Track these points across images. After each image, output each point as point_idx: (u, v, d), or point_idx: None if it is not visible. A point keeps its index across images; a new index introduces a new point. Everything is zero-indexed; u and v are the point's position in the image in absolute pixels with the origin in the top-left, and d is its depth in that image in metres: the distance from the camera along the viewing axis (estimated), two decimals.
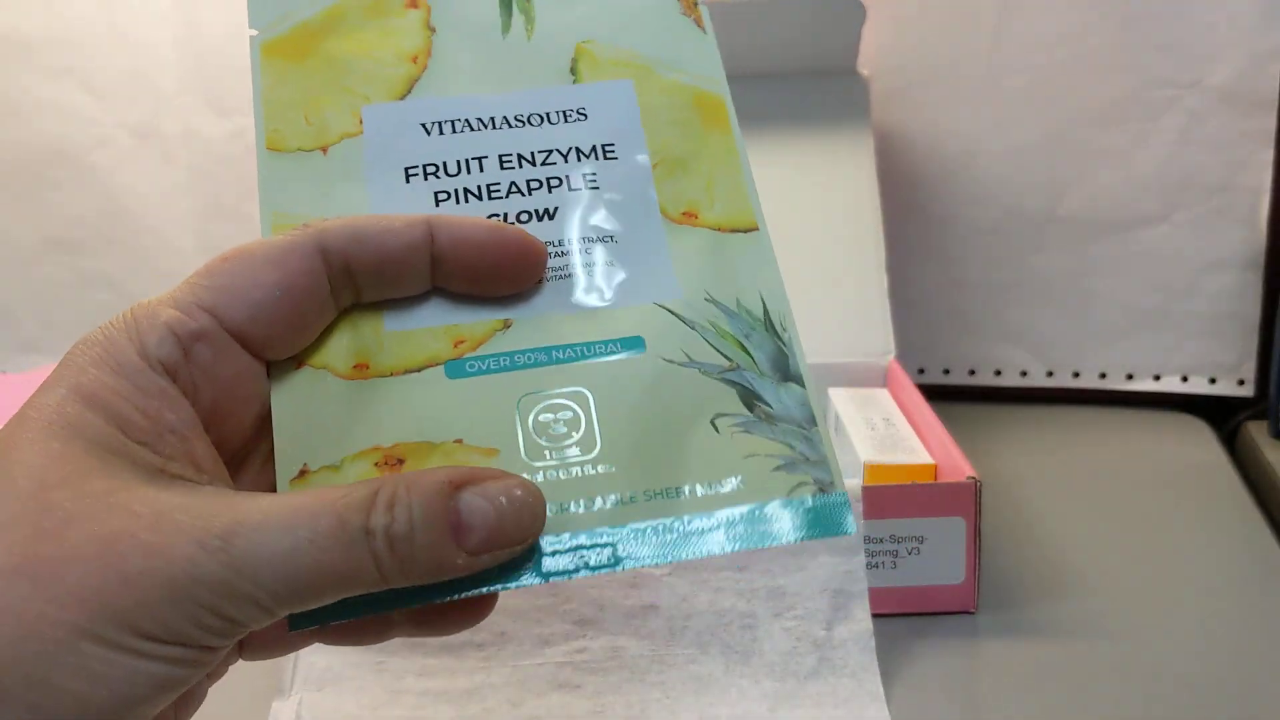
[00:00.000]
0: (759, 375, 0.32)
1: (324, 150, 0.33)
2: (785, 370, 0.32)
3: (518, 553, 0.28)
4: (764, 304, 0.33)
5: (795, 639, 0.46)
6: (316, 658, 0.45)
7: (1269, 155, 0.69)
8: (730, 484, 0.30)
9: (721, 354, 0.32)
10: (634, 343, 0.32)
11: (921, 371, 0.75)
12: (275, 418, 0.30)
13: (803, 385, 0.32)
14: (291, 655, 0.45)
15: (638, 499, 0.30)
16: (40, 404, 0.27)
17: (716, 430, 0.31)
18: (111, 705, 0.25)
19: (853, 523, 0.30)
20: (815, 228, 0.66)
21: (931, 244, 0.74)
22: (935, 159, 0.73)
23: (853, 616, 0.46)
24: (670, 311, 0.32)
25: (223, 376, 0.29)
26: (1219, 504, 0.62)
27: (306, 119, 0.34)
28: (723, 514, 0.30)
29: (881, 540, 0.49)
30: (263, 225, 0.32)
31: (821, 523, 0.30)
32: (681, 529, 0.29)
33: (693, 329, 0.32)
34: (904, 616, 0.50)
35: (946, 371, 0.75)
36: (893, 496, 0.49)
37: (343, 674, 0.45)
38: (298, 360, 0.30)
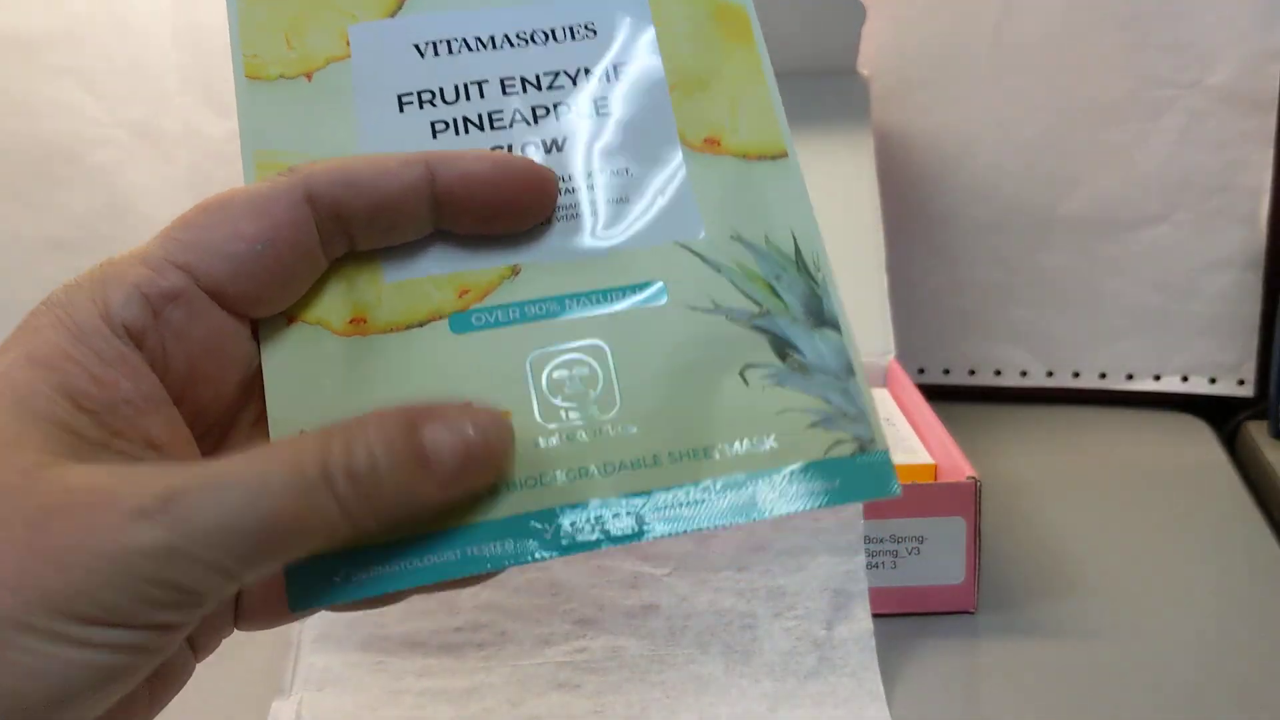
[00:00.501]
0: (791, 321, 0.29)
1: (308, 77, 0.31)
2: (820, 315, 0.29)
3: (493, 478, 0.26)
4: (795, 241, 0.30)
5: (795, 639, 0.46)
6: (316, 658, 0.45)
7: (1269, 155, 0.69)
8: (762, 443, 0.28)
9: (750, 298, 0.29)
10: (654, 289, 0.29)
11: (921, 371, 0.75)
12: (267, 380, 0.28)
13: (839, 331, 0.29)
14: (291, 655, 0.45)
15: (662, 461, 0.28)
16: None
17: (746, 383, 0.29)
18: (48, 700, 0.22)
19: (898, 483, 0.28)
20: None
21: (932, 244, 0.73)
22: (935, 158, 0.73)
23: (853, 616, 0.46)
24: (693, 252, 0.30)
25: (199, 338, 0.27)
26: (1219, 504, 0.61)
27: (288, 41, 0.31)
28: (754, 477, 0.27)
29: (881, 540, 0.49)
30: (244, 165, 0.30)
31: (862, 484, 0.28)
32: (710, 494, 0.27)
33: (718, 271, 0.30)
34: (904, 616, 0.50)
35: (946, 371, 0.75)
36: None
37: (343, 674, 0.45)
38: (289, 315, 0.29)
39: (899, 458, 0.53)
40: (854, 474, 0.28)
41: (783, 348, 0.29)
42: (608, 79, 0.31)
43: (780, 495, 0.27)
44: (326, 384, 0.28)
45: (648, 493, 0.27)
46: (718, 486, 0.27)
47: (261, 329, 0.28)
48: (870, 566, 0.49)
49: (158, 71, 0.72)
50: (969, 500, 0.49)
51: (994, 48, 0.70)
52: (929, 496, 0.49)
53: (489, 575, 0.28)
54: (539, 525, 0.27)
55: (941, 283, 0.74)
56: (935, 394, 0.62)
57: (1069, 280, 0.73)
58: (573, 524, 0.27)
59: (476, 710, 0.44)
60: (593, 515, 0.27)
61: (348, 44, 0.31)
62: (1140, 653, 0.48)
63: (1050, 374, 0.74)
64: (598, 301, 0.29)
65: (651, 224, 0.30)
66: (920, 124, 0.72)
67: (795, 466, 0.28)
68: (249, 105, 0.30)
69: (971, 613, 0.50)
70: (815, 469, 0.28)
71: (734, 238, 0.30)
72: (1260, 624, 0.50)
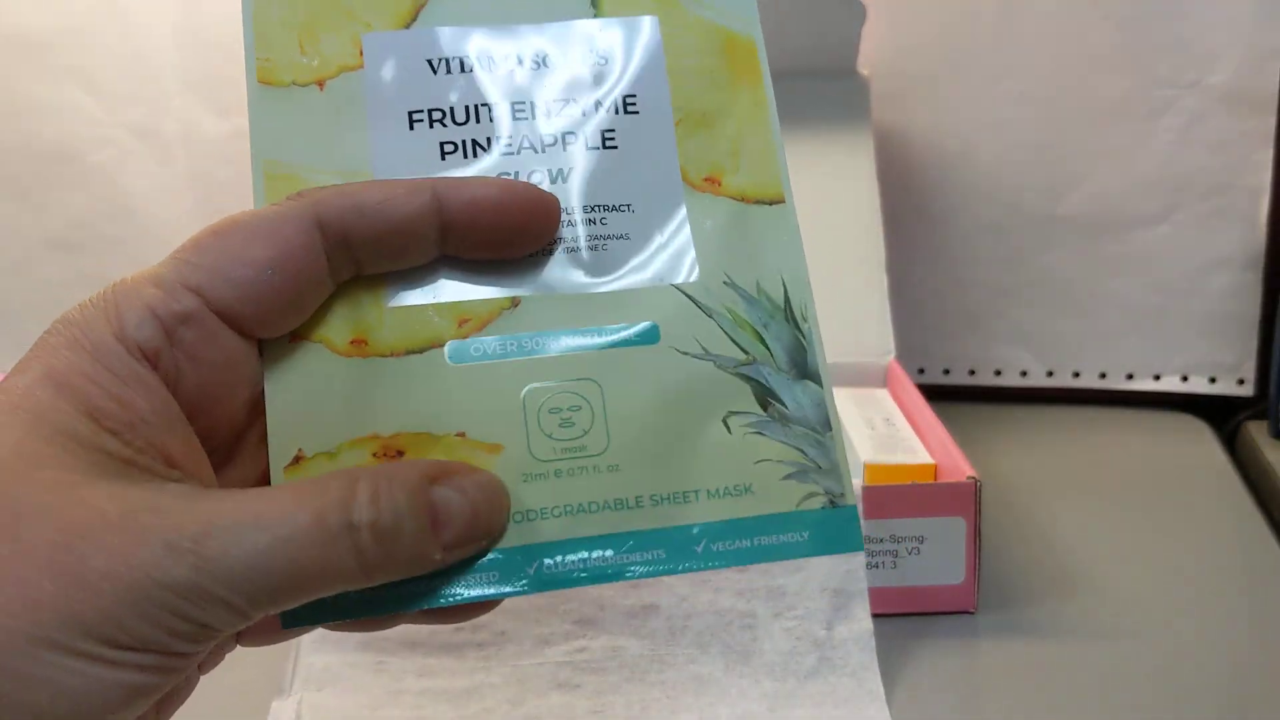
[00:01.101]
0: (775, 370, 0.30)
1: (320, 86, 0.31)
2: (803, 366, 0.30)
3: (484, 547, 0.27)
4: (785, 290, 0.31)
5: (795, 639, 0.46)
6: (316, 658, 0.45)
7: (1269, 155, 0.69)
8: (738, 491, 0.29)
9: (738, 345, 0.30)
10: (648, 331, 0.30)
11: (921, 371, 0.75)
12: (268, 396, 0.28)
13: (820, 384, 0.30)
14: (291, 655, 0.45)
15: (643, 503, 0.29)
16: (9, 388, 0.25)
17: (728, 430, 0.29)
18: (76, 717, 0.23)
19: (862, 539, 0.29)
20: (815, 228, 0.66)
21: (932, 244, 0.74)
22: (935, 159, 0.73)
23: (853, 616, 0.46)
24: (686, 295, 0.30)
25: (210, 359, 0.27)
26: (1219, 504, 0.62)
27: (302, 47, 0.31)
28: (729, 524, 0.29)
29: (881, 540, 0.49)
30: (254, 173, 0.30)
31: (829, 538, 0.29)
32: (686, 538, 0.28)
33: (709, 316, 0.30)
34: (904, 616, 0.50)
35: (946, 371, 0.75)
36: (893, 496, 0.49)
37: (343, 674, 0.45)
38: (293, 333, 0.29)
39: (899, 457, 0.53)
40: (822, 528, 0.29)
41: (765, 397, 0.30)
42: (616, 111, 0.32)
43: (751, 544, 0.29)
44: (325, 403, 0.28)
45: (628, 534, 0.28)
46: (694, 532, 0.29)
47: (265, 347, 0.29)
48: (870, 566, 0.49)
49: (158, 71, 0.72)
50: (969, 500, 0.49)
51: (994, 48, 0.70)
52: (929, 496, 0.49)
53: (476, 610, 0.29)
54: (524, 560, 0.28)
55: (941, 283, 0.74)
56: (935, 394, 0.62)
57: (1069, 280, 0.73)
58: (556, 561, 0.28)
59: (476, 710, 0.44)
60: (576, 554, 0.28)
61: (361, 53, 0.31)
62: (1140, 653, 0.48)
63: (1050, 374, 0.74)
64: (594, 339, 0.30)
65: (650, 263, 0.31)
66: (920, 124, 0.72)
67: (767, 516, 0.29)
68: (260, 111, 0.30)
69: (971, 613, 0.50)
70: (786, 520, 0.29)
71: (726, 282, 0.31)
72: (1260, 624, 0.51)
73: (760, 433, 0.30)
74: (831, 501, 0.29)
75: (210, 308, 0.27)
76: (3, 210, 0.73)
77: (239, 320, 0.27)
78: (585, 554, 0.28)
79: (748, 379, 0.30)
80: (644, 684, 0.45)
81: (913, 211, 0.73)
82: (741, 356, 0.30)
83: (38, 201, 0.73)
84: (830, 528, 0.29)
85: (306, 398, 0.29)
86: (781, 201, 0.32)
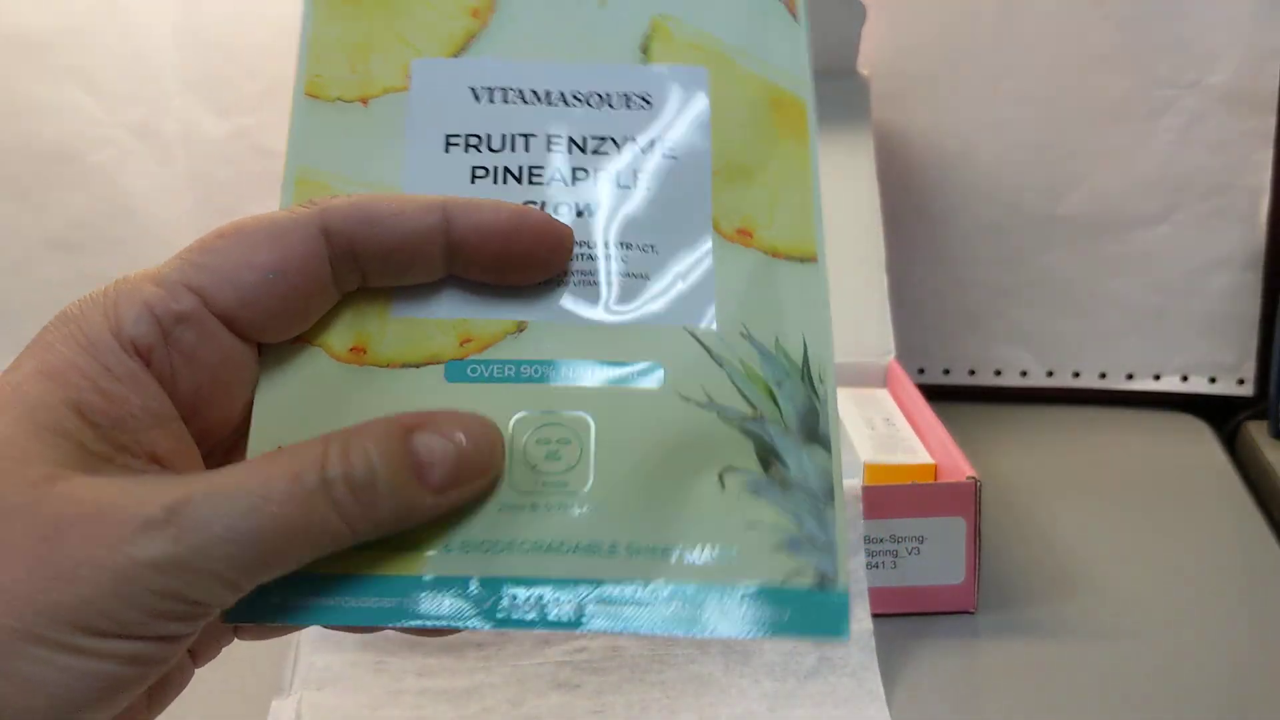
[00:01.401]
0: (783, 430, 0.28)
1: (364, 102, 0.31)
2: (814, 430, 0.29)
3: (486, 487, 0.27)
4: (805, 349, 0.29)
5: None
6: (316, 657, 0.45)
7: (1269, 155, 0.69)
8: (723, 554, 0.27)
9: (746, 399, 0.29)
10: (652, 371, 0.29)
11: (921, 371, 0.75)
12: (259, 389, 0.28)
13: (829, 450, 0.28)
14: (291, 655, 0.45)
15: (619, 552, 0.27)
16: (3, 382, 0.25)
17: (722, 486, 0.28)
18: (56, 712, 0.23)
19: (848, 626, 0.27)
20: None
21: (932, 244, 0.74)
22: (935, 159, 0.73)
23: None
24: (699, 341, 0.29)
25: (207, 361, 0.27)
26: (1219, 504, 0.62)
27: (352, 67, 0.31)
28: (706, 589, 0.27)
29: (881, 540, 0.49)
30: (285, 177, 0.30)
31: (813, 623, 0.27)
32: (658, 597, 0.27)
33: (720, 366, 0.29)
34: (904, 616, 0.50)
35: (946, 371, 0.75)
36: (893, 496, 0.49)
37: (343, 673, 0.45)
38: None
39: (899, 457, 0.53)
40: (807, 609, 0.27)
41: (768, 456, 0.28)
42: (653, 153, 0.31)
43: (726, 616, 0.27)
44: (315, 406, 0.28)
45: (597, 582, 0.27)
46: (666, 592, 0.27)
47: (264, 345, 0.29)
48: (870, 566, 0.49)
49: (158, 71, 0.72)
50: (969, 500, 0.49)
51: (994, 48, 0.70)
52: (929, 496, 0.49)
53: (433, 632, 0.28)
54: (481, 592, 0.27)
55: (942, 283, 0.74)
56: (935, 394, 0.62)
57: (1069, 280, 0.73)
58: (514, 598, 0.27)
59: (476, 710, 0.44)
60: (536, 594, 0.27)
61: (407, 77, 0.31)
62: (1140, 653, 0.48)
63: (1050, 374, 0.74)
64: (594, 373, 0.29)
65: (665, 305, 0.30)
66: (920, 124, 0.72)
67: (750, 588, 0.27)
68: (303, 121, 0.31)
69: (971, 613, 0.50)
70: (769, 595, 0.27)
71: (744, 334, 0.29)
72: (1260, 624, 0.51)
73: (756, 494, 0.28)
74: (821, 582, 0.27)
75: (210, 309, 0.27)
76: (3, 210, 0.73)
77: (239, 323, 0.27)
78: (545, 596, 0.27)
79: (752, 435, 0.28)
80: (644, 684, 0.45)
81: (913, 211, 0.73)
82: (748, 411, 0.29)
83: (38, 201, 0.73)
84: (815, 612, 0.27)
85: (297, 396, 0.28)
86: (814, 260, 0.30)
